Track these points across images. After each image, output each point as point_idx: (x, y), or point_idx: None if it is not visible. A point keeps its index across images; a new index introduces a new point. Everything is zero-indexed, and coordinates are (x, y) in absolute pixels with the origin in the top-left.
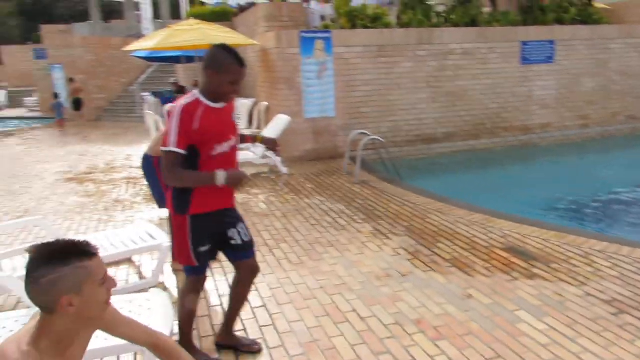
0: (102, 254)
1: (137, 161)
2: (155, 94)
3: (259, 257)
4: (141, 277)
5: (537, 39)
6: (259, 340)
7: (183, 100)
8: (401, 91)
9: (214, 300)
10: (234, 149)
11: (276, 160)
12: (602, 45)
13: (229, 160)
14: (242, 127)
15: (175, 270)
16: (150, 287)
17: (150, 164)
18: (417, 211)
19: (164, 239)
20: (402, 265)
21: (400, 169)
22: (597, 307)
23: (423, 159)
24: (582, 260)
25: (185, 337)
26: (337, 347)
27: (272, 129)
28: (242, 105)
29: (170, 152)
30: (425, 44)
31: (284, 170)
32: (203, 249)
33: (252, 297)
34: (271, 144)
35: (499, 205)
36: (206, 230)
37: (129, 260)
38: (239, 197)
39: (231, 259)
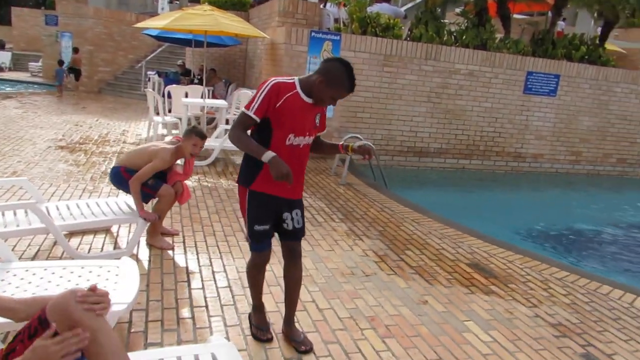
0: (80, 221)
1: (132, 138)
2: (160, 73)
3: (231, 242)
4: (116, 247)
5: (543, 71)
6: (217, 317)
7: (280, 78)
8: (401, 102)
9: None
10: (306, 147)
11: None
12: (606, 86)
13: (299, 155)
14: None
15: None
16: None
17: (118, 176)
18: (394, 218)
19: None
20: (368, 266)
21: (387, 177)
22: (543, 328)
23: (412, 170)
24: (539, 284)
25: (254, 307)
26: None
27: None
28: (244, 95)
29: (246, 114)
30: (431, 59)
31: None
32: (260, 227)
33: (219, 277)
34: (364, 154)
35: (474, 223)
36: (264, 209)
37: (108, 231)
38: (225, 183)
39: (280, 240)
